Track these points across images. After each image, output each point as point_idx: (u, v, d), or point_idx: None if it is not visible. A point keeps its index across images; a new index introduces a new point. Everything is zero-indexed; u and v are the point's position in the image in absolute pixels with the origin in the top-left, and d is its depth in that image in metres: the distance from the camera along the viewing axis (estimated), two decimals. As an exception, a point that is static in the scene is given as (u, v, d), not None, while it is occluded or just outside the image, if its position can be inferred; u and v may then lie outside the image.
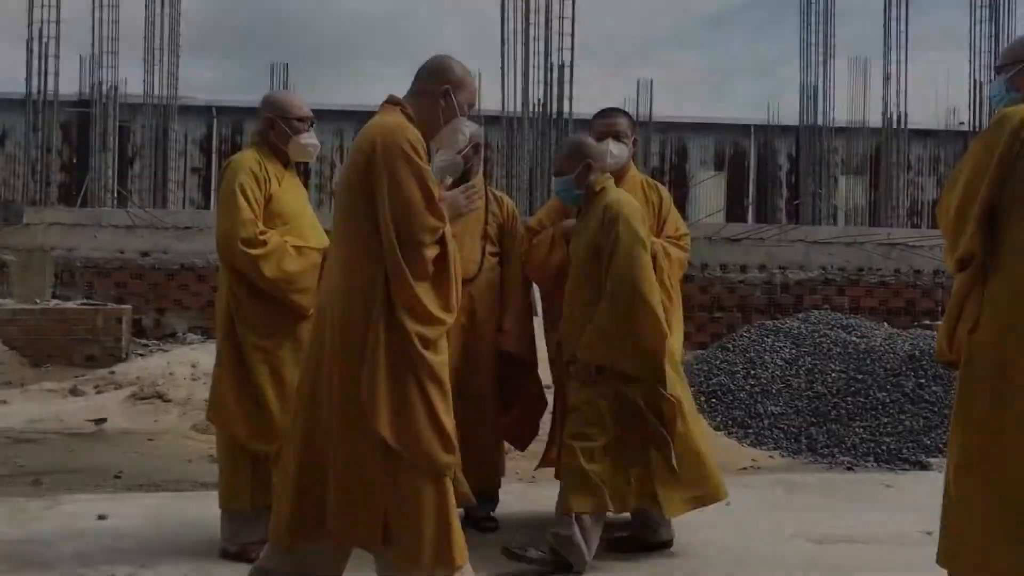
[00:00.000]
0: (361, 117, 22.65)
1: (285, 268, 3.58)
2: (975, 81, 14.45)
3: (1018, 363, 2.74)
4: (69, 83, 15.54)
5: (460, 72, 3.08)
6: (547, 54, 13.45)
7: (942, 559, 2.94)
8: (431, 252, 2.85)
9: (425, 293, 2.83)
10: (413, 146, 2.86)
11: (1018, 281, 2.75)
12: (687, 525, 4.31)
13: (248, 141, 3.90)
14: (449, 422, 2.83)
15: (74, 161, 20.62)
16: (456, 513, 2.87)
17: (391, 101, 3.03)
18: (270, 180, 3.71)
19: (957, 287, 2.93)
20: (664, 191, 4.33)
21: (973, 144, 2.92)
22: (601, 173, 3.86)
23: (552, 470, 4.23)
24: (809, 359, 7.61)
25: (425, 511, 2.77)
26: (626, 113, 4.36)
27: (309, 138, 3.85)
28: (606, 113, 4.30)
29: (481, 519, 4.21)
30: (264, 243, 3.58)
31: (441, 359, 2.87)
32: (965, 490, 2.83)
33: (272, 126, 3.82)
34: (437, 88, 3.04)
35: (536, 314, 4.59)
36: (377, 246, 2.81)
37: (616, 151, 4.18)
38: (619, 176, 4.26)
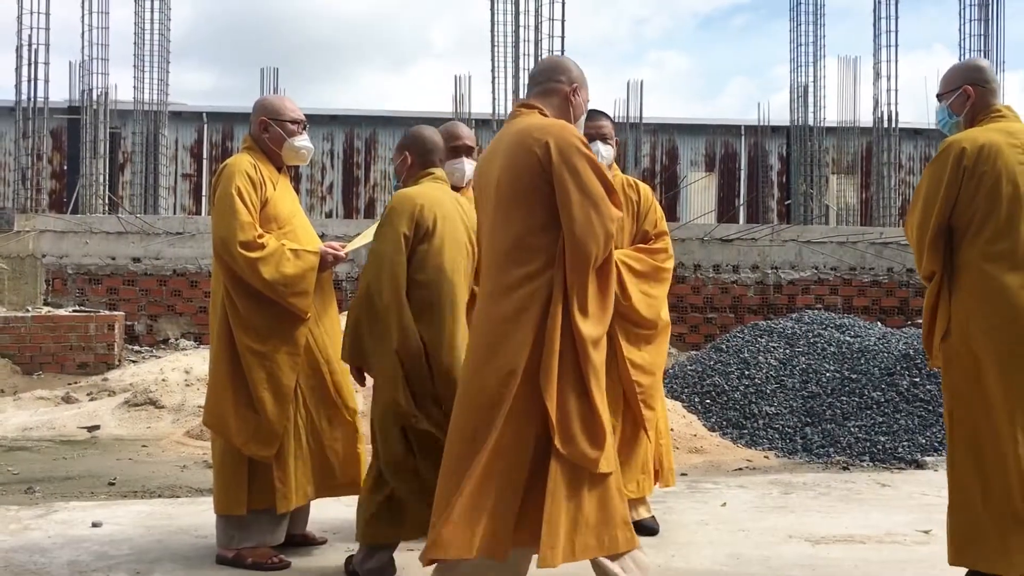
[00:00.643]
0: (352, 121, 22.68)
1: (283, 271, 3.57)
2: (964, 80, 14.50)
3: (987, 367, 3.04)
4: (59, 90, 15.49)
5: (579, 71, 3.17)
6: (537, 56, 13.44)
7: (952, 557, 3.11)
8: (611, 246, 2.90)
9: (595, 290, 2.87)
10: (583, 141, 2.93)
11: (976, 293, 3.07)
12: (683, 526, 4.31)
13: (241, 145, 3.89)
14: (606, 418, 2.85)
15: (64, 168, 20.54)
16: (605, 509, 2.84)
17: (527, 105, 3.09)
18: (265, 184, 3.70)
19: (926, 300, 3.22)
20: (644, 189, 4.34)
21: (925, 171, 3.26)
22: (421, 168, 3.67)
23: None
24: (803, 359, 7.62)
25: (568, 503, 2.78)
26: (608, 115, 4.40)
27: (302, 140, 3.85)
28: (591, 115, 4.31)
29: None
30: (262, 246, 3.57)
31: (602, 357, 2.90)
32: (961, 483, 3.08)
33: (266, 129, 3.81)
34: (566, 88, 3.12)
35: None
36: (548, 243, 2.84)
37: (605, 152, 4.24)
38: None
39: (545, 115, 3.04)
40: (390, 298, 3.31)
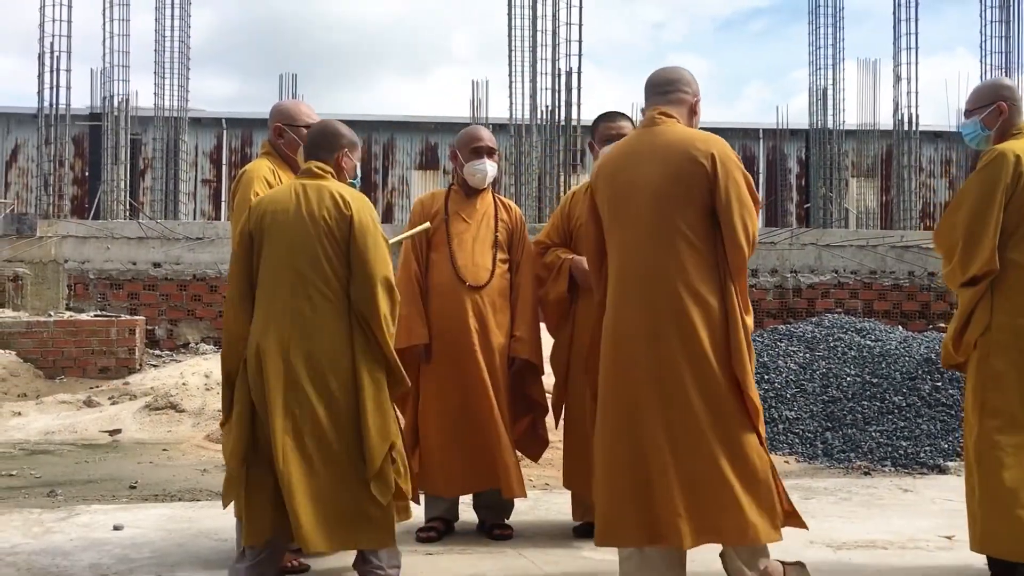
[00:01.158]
0: (369, 126, 22.76)
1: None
2: (986, 82, 14.40)
3: None
4: (80, 96, 15.64)
5: (697, 83, 3.36)
6: (554, 61, 13.45)
7: (980, 544, 3.35)
8: None
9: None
10: (738, 156, 3.23)
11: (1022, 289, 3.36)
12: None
13: (259, 151, 3.91)
14: None
15: (86, 174, 20.74)
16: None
17: (665, 113, 3.26)
18: (283, 189, 3.71)
19: (968, 299, 3.43)
20: None
21: (974, 177, 3.48)
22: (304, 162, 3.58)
23: (561, 477, 4.25)
24: (823, 363, 7.57)
25: (765, 478, 3.07)
26: (628, 117, 4.37)
27: None
28: (611, 116, 4.28)
29: (495, 526, 4.20)
30: (277, 252, 3.58)
31: None
32: (990, 474, 3.29)
33: (281, 135, 3.83)
34: (692, 99, 3.33)
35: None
36: (710, 245, 3.11)
37: None
38: None
39: (680, 123, 3.25)
40: (229, 297, 3.41)
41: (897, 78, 15.22)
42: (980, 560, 3.54)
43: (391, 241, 3.94)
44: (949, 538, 4.17)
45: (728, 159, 3.12)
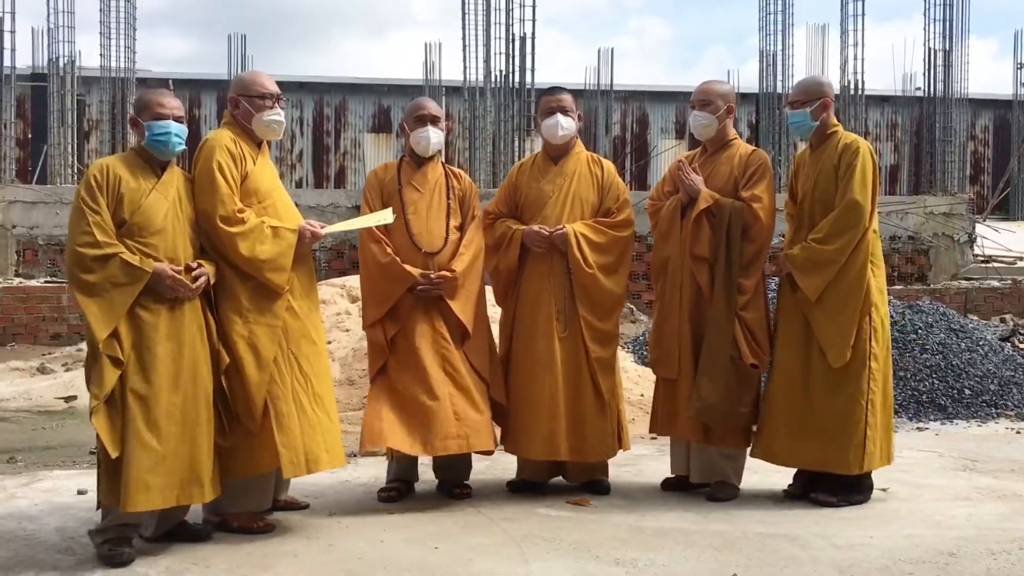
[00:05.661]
0: (321, 88, 22.48)
1: (261, 248, 3.64)
2: (930, 49, 14.69)
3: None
4: (22, 56, 15.17)
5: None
6: (508, 26, 13.42)
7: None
8: None
9: None
10: None
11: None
12: (653, 487, 4.47)
13: (222, 121, 3.95)
14: None
15: (28, 136, 20.24)
16: None
17: None
18: (245, 159, 3.76)
19: None
20: (607, 164, 4.56)
21: (873, 170, 4.12)
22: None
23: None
24: (769, 324, 7.79)
25: None
26: (567, 90, 4.52)
27: (272, 115, 3.87)
28: (551, 91, 4.50)
29: (455, 486, 4.34)
30: (242, 221, 3.64)
31: None
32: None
33: (237, 105, 3.88)
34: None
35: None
36: None
37: (566, 124, 4.40)
38: (566, 150, 4.41)
39: None
40: None
41: (844, 44, 15.45)
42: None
43: (350, 227, 4.10)
44: (884, 490, 4.40)
45: None
